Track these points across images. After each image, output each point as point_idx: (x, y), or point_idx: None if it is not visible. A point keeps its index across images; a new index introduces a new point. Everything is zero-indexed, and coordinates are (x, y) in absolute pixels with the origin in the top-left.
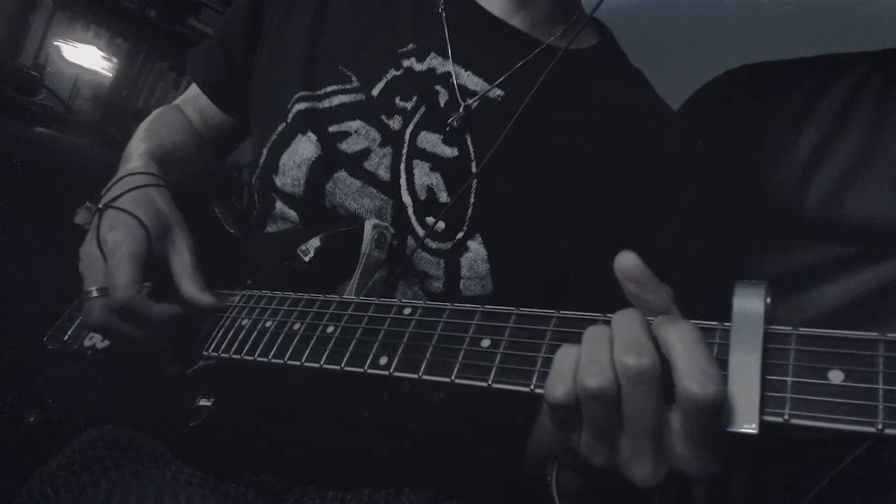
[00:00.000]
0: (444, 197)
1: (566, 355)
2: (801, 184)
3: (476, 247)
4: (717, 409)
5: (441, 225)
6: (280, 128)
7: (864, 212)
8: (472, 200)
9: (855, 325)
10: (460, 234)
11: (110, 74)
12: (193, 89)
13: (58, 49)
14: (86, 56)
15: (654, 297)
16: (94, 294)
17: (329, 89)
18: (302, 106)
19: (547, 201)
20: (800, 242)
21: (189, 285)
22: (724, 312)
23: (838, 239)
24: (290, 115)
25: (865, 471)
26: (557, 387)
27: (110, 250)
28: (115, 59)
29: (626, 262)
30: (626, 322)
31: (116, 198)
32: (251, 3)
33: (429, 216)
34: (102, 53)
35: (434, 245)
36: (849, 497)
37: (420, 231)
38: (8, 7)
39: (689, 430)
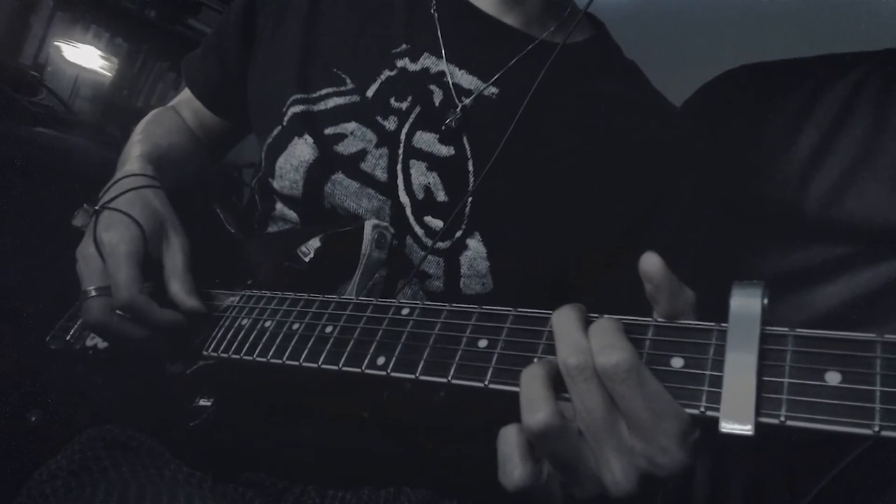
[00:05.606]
0: (441, 196)
1: (508, 435)
2: (800, 183)
3: (475, 245)
4: (630, 375)
5: (439, 224)
6: (276, 131)
7: (864, 212)
8: (470, 199)
9: (855, 324)
10: (459, 233)
11: (110, 74)
12: (188, 91)
13: (58, 49)
14: (86, 56)
15: (669, 302)
16: (93, 293)
17: (324, 91)
18: (297, 109)
19: (545, 198)
20: (800, 242)
21: (177, 286)
22: (723, 311)
23: (838, 239)
24: (286, 118)
25: (865, 471)
26: (515, 472)
27: (108, 251)
28: (115, 59)
29: (648, 264)
30: (563, 323)
31: (113, 199)
32: (244, 9)
33: (427, 216)
34: (102, 53)
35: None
36: (849, 497)
37: (419, 231)
38: (8, 7)
39: (628, 410)
